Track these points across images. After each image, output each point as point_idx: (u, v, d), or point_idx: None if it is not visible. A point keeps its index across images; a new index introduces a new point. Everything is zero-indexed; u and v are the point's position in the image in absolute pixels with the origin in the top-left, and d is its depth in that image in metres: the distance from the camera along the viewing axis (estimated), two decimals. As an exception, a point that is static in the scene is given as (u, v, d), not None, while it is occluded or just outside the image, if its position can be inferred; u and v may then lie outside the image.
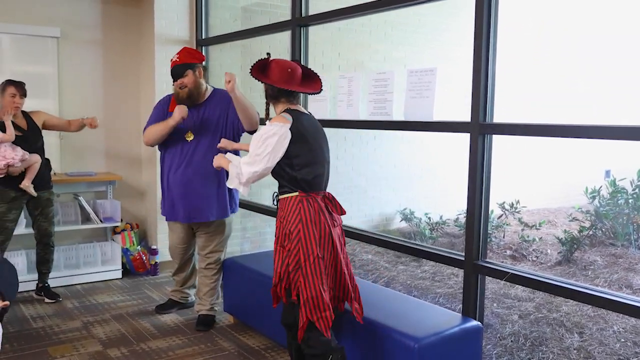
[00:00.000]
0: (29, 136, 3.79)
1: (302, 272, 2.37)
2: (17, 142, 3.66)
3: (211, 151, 3.23)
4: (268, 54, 2.55)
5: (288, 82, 2.47)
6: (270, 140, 2.39)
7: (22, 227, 4.13)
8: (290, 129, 2.41)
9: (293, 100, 2.54)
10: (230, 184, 2.57)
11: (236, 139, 3.38)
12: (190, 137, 3.36)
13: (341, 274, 2.48)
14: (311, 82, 2.59)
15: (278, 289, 2.49)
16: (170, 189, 3.42)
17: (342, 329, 2.67)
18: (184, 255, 3.68)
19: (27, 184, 3.70)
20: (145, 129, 3.47)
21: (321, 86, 2.61)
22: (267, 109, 2.60)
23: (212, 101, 3.39)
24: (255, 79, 2.48)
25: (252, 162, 2.44)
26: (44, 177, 3.85)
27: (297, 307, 2.45)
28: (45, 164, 3.91)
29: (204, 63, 3.45)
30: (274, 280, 2.51)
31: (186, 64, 3.32)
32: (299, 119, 2.46)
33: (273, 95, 2.53)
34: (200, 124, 3.35)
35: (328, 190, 2.60)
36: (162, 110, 3.49)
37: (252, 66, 2.48)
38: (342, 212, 2.58)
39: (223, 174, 3.28)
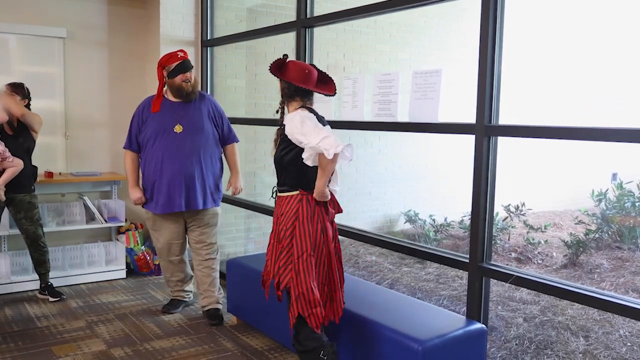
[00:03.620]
0: (18, 136, 3.78)
1: (295, 269, 2.42)
2: (5, 140, 3.67)
3: (201, 142, 3.48)
4: (285, 55, 2.59)
5: (305, 82, 2.52)
6: (308, 121, 2.40)
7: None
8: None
9: (307, 100, 2.59)
10: (331, 155, 2.28)
11: (219, 146, 3.63)
12: (179, 129, 3.45)
13: (334, 272, 2.52)
14: (325, 85, 2.64)
15: (269, 283, 2.57)
16: (167, 179, 3.42)
17: (344, 331, 2.67)
18: (180, 252, 3.69)
19: None
20: (126, 145, 3.56)
21: (335, 89, 2.65)
22: (282, 109, 2.63)
23: (201, 100, 3.58)
24: (274, 75, 2.55)
25: (315, 134, 2.32)
26: (23, 180, 3.77)
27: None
28: (30, 167, 3.86)
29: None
30: (264, 272, 2.60)
31: (190, 62, 3.53)
32: (317, 115, 2.53)
33: (289, 94, 2.56)
34: (190, 118, 3.49)
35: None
36: (141, 117, 3.53)
37: (270, 64, 2.53)
38: (339, 211, 2.62)
39: (209, 164, 3.52)
